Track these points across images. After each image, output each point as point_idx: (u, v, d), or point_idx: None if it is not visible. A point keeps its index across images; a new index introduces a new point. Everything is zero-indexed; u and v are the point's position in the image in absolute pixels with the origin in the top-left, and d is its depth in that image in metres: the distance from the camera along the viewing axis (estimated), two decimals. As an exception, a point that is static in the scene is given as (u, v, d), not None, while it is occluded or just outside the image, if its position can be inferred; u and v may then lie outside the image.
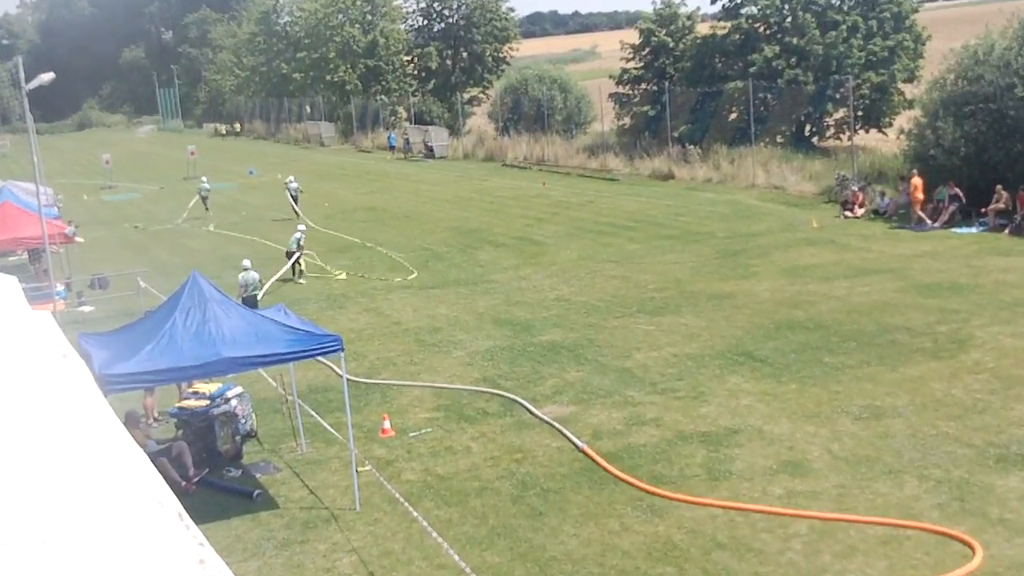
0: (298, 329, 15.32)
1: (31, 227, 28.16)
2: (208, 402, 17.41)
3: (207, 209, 48.11)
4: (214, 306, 15.01)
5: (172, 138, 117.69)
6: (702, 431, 16.89)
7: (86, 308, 29.18)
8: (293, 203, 45.40)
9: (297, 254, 31.34)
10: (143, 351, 14.18)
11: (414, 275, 31.49)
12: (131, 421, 15.74)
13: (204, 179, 50.92)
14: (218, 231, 42.70)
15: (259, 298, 25.70)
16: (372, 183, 57.98)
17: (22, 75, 25.33)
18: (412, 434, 17.81)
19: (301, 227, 32.86)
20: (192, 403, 17.56)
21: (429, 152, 69.81)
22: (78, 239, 32.40)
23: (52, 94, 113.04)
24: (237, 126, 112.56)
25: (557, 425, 17.56)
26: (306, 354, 15.38)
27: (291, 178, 47.04)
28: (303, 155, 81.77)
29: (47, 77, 25.84)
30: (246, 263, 26.73)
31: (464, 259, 33.14)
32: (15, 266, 31.99)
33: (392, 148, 74.78)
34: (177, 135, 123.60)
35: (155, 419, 19.01)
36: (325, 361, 21.21)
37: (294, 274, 31.37)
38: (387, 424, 18.01)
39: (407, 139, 73.18)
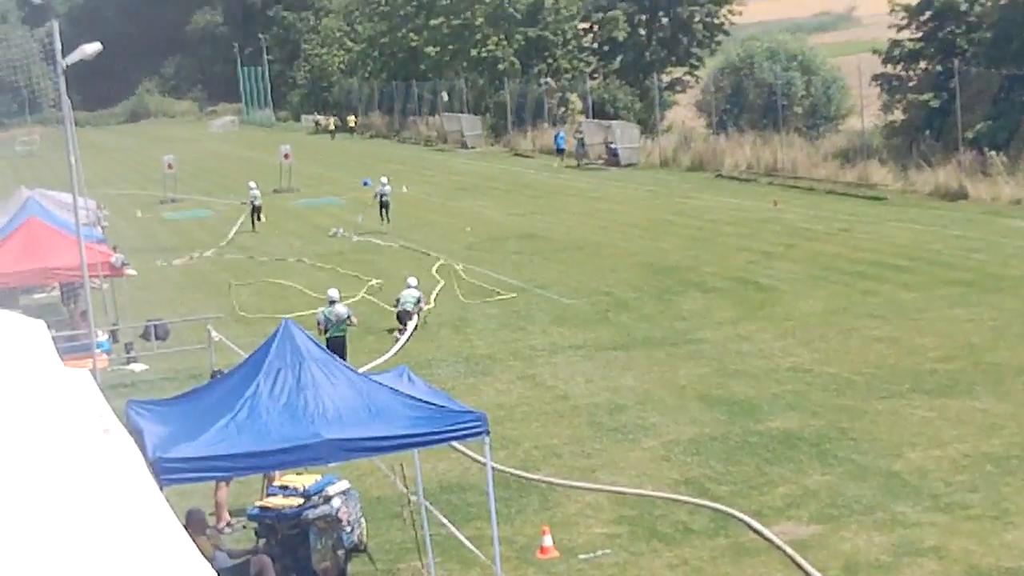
0: (427, 403, 15.43)
1: (65, 254, 28.98)
2: (301, 501, 17.64)
3: (256, 222, 53.42)
4: (313, 368, 15.22)
5: (258, 135, 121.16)
6: (1006, 567, 16.45)
7: (137, 367, 30.01)
8: (383, 211, 50.02)
9: (416, 318, 31.56)
10: (213, 428, 14.44)
11: (514, 296, 32.67)
12: (196, 524, 16.02)
13: (253, 185, 55.30)
14: (315, 264, 43.57)
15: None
16: (532, 201, 58.39)
17: (58, 46, 26.16)
18: (583, 556, 17.73)
19: (413, 280, 32.85)
20: (280, 502, 17.81)
21: (613, 157, 70.10)
22: (129, 271, 33.18)
23: (97, 72, 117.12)
24: (351, 120, 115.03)
25: (791, 551, 17.30)
26: (438, 437, 15.48)
27: (384, 179, 51.52)
28: (438, 160, 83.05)
29: (91, 49, 26.69)
30: (333, 293, 27.60)
31: (659, 309, 33.07)
32: (43, 306, 33.13)
33: (561, 152, 75.32)
34: (265, 132, 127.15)
35: (228, 523, 19.35)
36: (463, 448, 21.35)
37: (402, 329, 31.46)
38: (548, 540, 17.95)
39: (582, 139, 73.59)
